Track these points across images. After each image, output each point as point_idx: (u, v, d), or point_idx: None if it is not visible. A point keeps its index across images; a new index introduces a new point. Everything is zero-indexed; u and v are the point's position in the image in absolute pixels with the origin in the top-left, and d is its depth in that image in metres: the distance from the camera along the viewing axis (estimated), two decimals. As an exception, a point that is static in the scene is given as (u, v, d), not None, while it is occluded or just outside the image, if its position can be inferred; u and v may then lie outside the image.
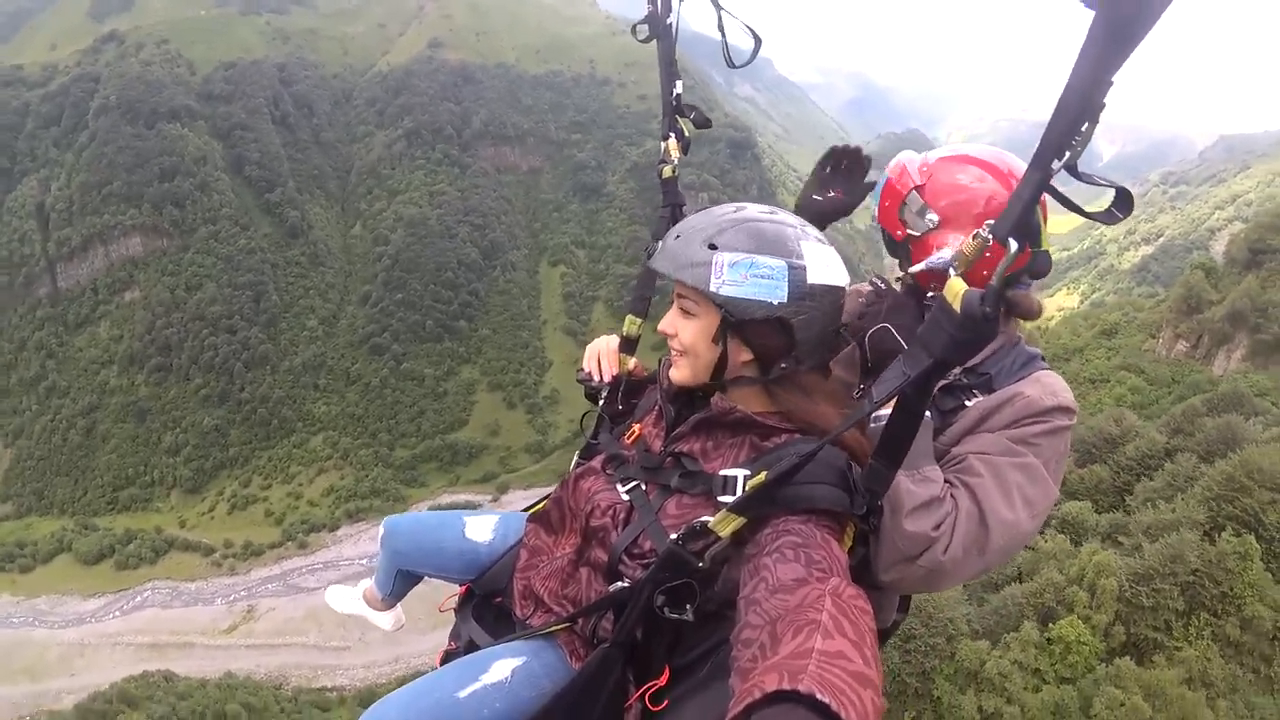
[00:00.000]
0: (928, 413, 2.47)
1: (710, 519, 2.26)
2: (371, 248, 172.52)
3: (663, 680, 2.46)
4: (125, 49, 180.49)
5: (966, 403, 2.73)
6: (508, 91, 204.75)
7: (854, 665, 1.66)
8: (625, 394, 3.33)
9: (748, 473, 2.37)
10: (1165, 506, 45.14)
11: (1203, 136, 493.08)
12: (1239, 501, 42.24)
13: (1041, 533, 44.42)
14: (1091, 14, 1.53)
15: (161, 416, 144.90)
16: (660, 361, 2.86)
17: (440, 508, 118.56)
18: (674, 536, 2.34)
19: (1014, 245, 1.80)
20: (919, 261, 2.94)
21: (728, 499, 2.32)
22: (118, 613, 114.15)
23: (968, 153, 2.96)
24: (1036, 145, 1.72)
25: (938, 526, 2.42)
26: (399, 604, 4.16)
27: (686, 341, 2.54)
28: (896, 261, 3.17)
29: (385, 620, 4.20)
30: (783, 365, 2.49)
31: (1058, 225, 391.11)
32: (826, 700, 1.52)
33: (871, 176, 3.37)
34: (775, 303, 2.37)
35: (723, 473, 2.44)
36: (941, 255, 2.87)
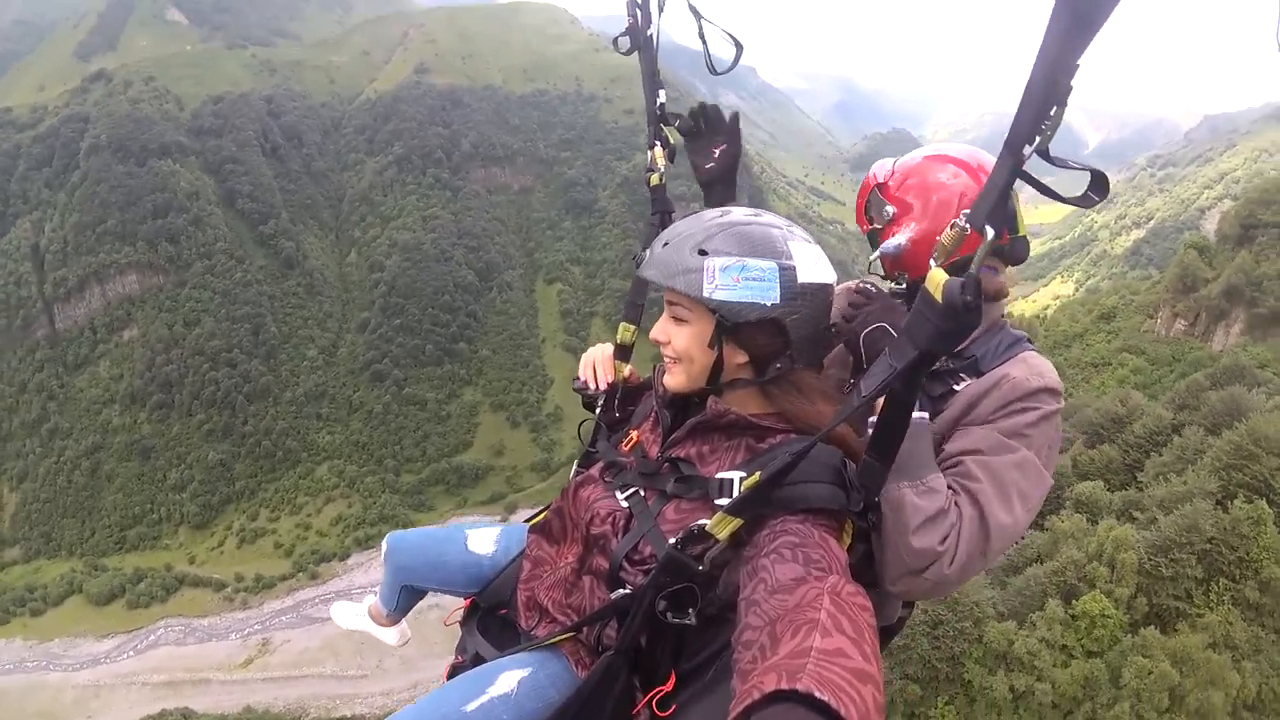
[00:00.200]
0: (927, 418, 2.46)
1: (708, 522, 2.27)
2: (368, 275, 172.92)
3: (669, 686, 2.42)
4: (113, 87, 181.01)
5: (955, 387, 2.72)
6: (495, 113, 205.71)
7: (853, 662, 1.67)
8: (622, 401, 3.33)
9: (743, 475, 2.36)
10: (1177, 479, 46.21)
11: (1187, 118, 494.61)
12: (1248, 469, 43.52)
13: (1057, 512, 46.86)
14: None
15: (166, 453, 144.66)
16: (655, 367, 2.88)
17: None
18: (673, 541, 2.35)
19: (990, 232, 1.84)
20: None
21: (724, 502, 2.31)
22: (132, 652, 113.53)
23: (944, 151, 3.04)
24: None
25: (944, 540, 2.38)
26: (404, 620, 4.16)
27: (681, 348, 2.53)
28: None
29: (390, 636, 4.22)
30: (778, 365, 2.48)
31: (1047, 215, 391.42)
32: (826, 698, 1.52)
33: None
34: (769, 304, 2.36)
35: (719, 476, 2.44)
36: (895, 241, 2.96)
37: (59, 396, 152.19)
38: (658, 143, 3.52)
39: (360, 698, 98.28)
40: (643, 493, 2.62)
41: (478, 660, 3.01)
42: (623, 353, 3.40)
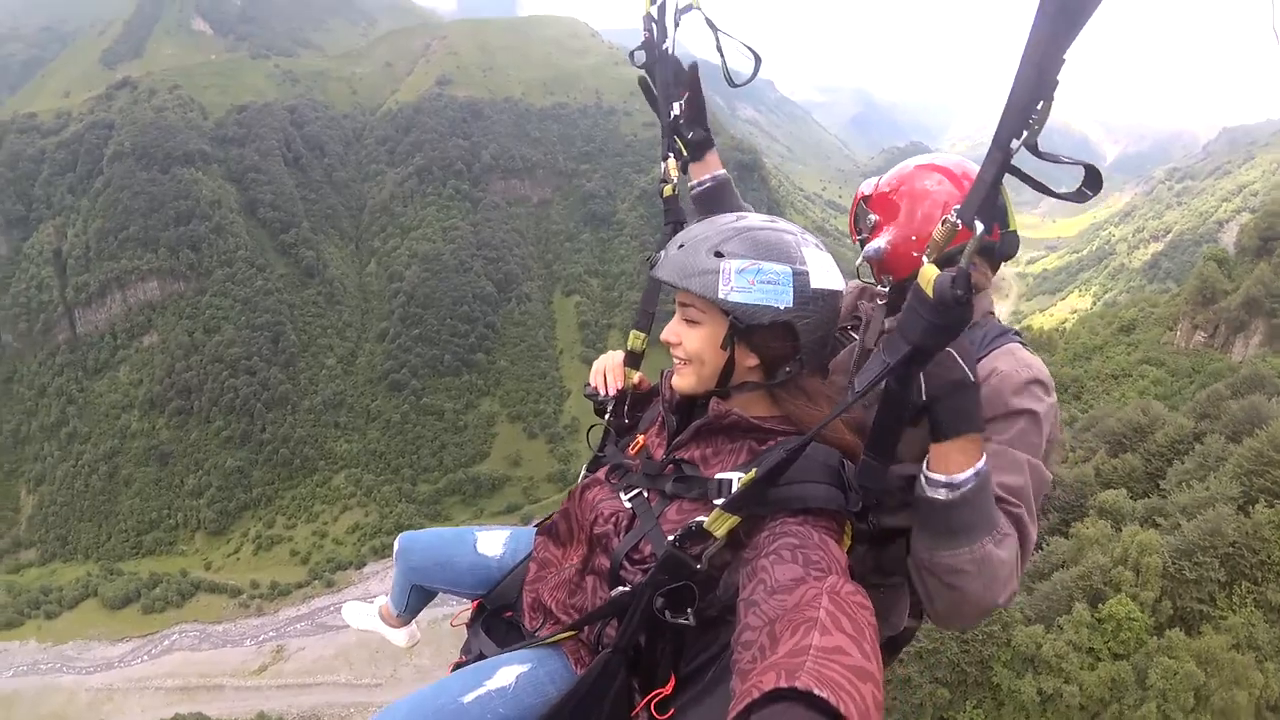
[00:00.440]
0: (986, 469, 2.27)
1: (705, 519, 2.28)
2: (387, 285, 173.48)
3: (668, 689, 2.44)
4: (138, 95, 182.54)
5: None
6: (515, 125, 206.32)
7: (852, 660, 1.68)
8: (631, 407, 3.34)
9: (742, 474, 2.35)
10: (1199, 486, 46.75)
11: (1205, 130, 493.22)
12: (1269, 475, 44.22)
13: (1082, 519, 47.60)
14: None
15: (183, 459, 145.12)
16: (663, 373, 2.88)
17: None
18: (671, 538, 2.36)
19: (980, 226, 1.87)
20: None
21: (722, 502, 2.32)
22: (146, 657, 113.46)
23: (933, 160, 3.10)
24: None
25: (1014, 577, 2.40)
26: (414, 622, 4.21)
27: (693, 349, 2.54)
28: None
29: (400, 637, 4.26)
30: (787, 369, 2.50)
31: (1065, 228, 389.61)
32: (824, 695, 1.53)
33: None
34: (782, 307, 2.37)
35: (718, 476, 2.47)
36: (876, 244, 3.06)
37: (78, 401, 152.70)
38: (671, 154, 3.54)
39: (374, 706, 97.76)
40: (646, 494, 2.64)
41: (482, 660, 2.99)
42: (633, 360, 3.44)
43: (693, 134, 3.60)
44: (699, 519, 2.31)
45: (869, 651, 1.75)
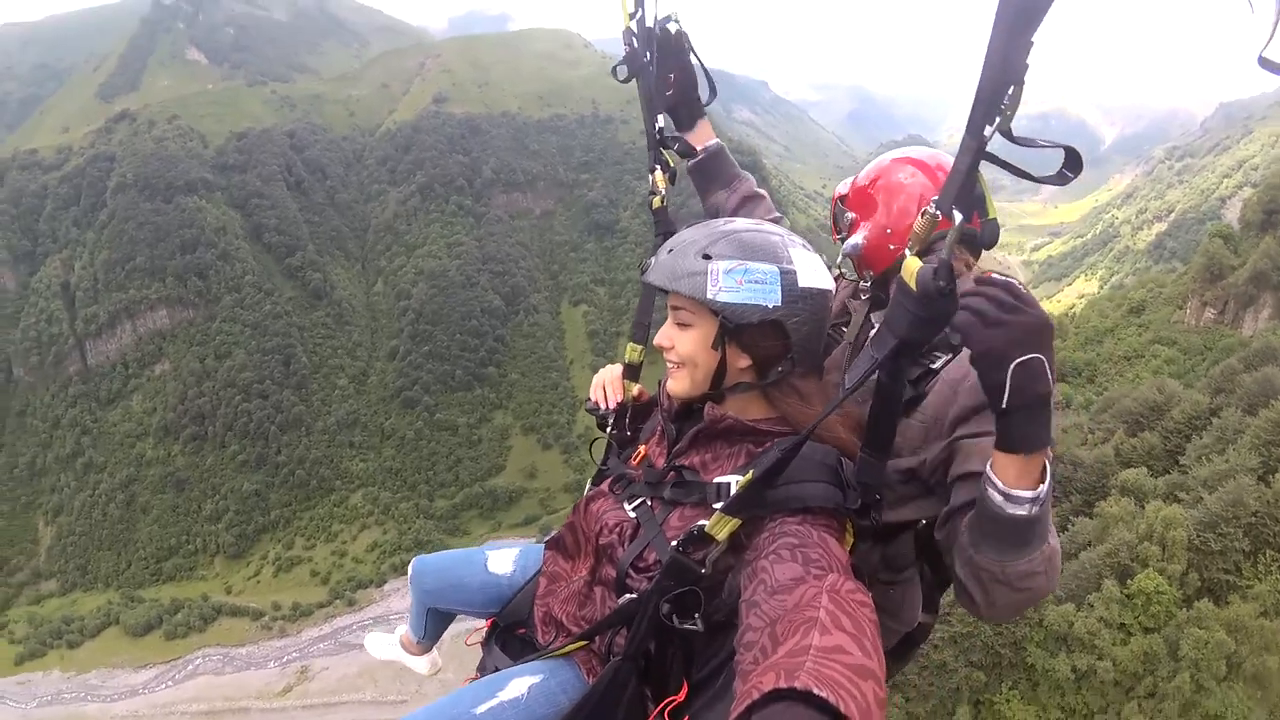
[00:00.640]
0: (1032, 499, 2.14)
1: (707, 523, 2.30)
2: (395, 303, 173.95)
3: (681, 696, 2.46)
4: (137, 127, 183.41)
5: (932, 366, 2.71)
6: (514, 139, 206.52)
7: (852, 658, 1.68)
8: (631, 419, 3.39)
9: (740, 477, 2.35)
10: (1218, 459, 46.94)
11: (1202, 107, 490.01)
12: None
13: (1104, 498, 47.84)
14: None
15: (200, 485, 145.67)
16: (660, 384, 2.91)
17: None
18: (674, 543, 2.38)
19: (959, 216, 1.87)
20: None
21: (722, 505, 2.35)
22: (170, 682, 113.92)
23: (908, 154, 3.21)
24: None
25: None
26: (435, 649, 4.30)
27: (685, 352, 2.57)
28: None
29: (422, 665, 4.35)
30: (780, 369, 2.52)
31: (1068, 213, 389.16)
32: (824, 694, 1.54)
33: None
34: (770, 306, 2.40)
35: (716, 480, 2.48)
36: (853, 241, 3.14)
37: (93, 431, 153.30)
38: (658, 166, 3.62)
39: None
40: (649, 502, 2.66)
41: None
42: (631, 372, 3.50)
43: (681, 106, 3.78)
44: (700, 523, 2.33)
45: (870, 649, 1.75)
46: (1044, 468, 2.01)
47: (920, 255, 1.99)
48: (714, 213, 3.95)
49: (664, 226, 3.53)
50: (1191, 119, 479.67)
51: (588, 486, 3.21)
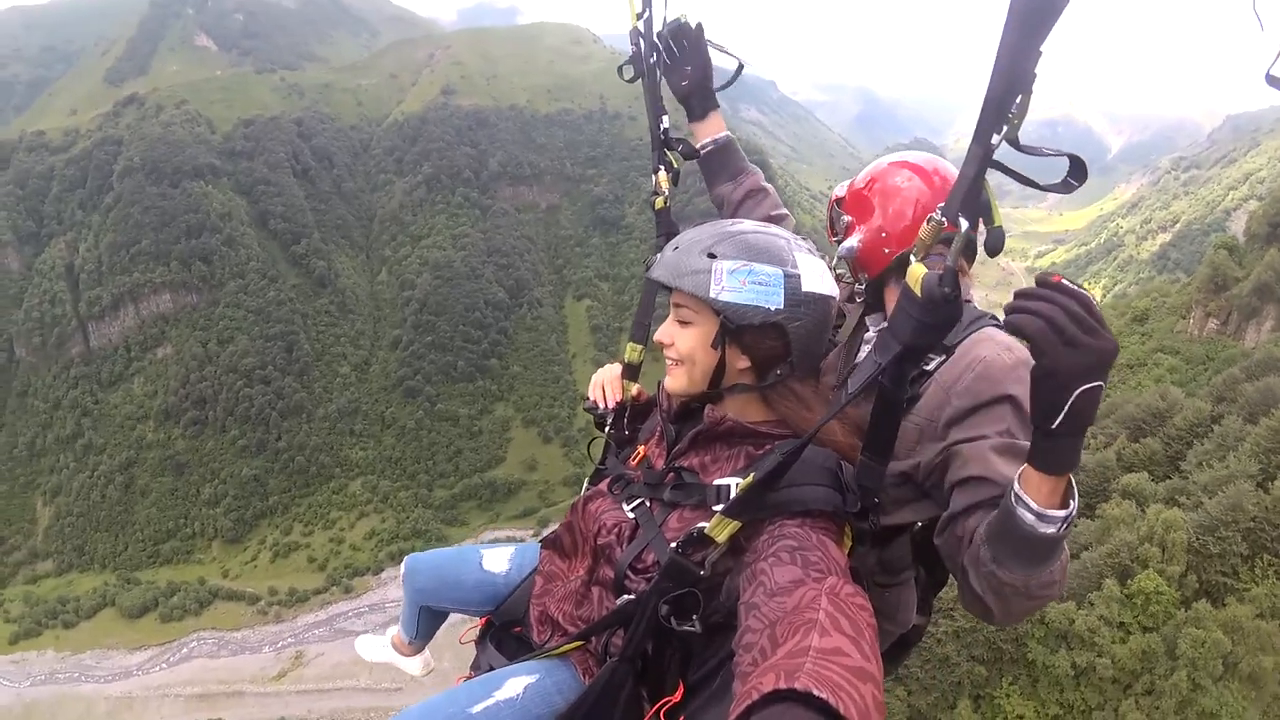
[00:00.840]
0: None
1: (707, 525, 2.29)
2: (399, 293, 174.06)
3: (677, 696, 2.45)
4: (145, 111, 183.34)
5: (926, 367, 2.71)
6: (521, 132, 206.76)
7: (852, 660, 1.68)
8: (630, 419, 3.38)
9: (740, 480, 2.35)
10: (1219, 465, 47.72)
11: (1209, 118, 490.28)
12: None
13: (1107, 499, 48.52)
14: None
15: (199, 469, 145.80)
16: (660, 384, 2.92)
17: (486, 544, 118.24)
18: (673, 545, 2.37)
19: (964, 223, 1.87)
20: None
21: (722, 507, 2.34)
22: (164, 665, 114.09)
23: (906, 158, 3.19)
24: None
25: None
26: (427, 648, 4.25)
27: (684, 350, 2.56)
28: None
29: (414, 665, 4.29)
30: (778, 372, 2.52)
31: (1072, 221, 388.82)
32: (824, 696, 1.54)
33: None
34: (772, 308, 2.40)
35: (716, 482, 2.47)
36: (848, 244, 3.14)
37: (93, 413, 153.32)
38: (661, 167, 3.66)
39: (393, 710, 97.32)
40: (648, 503, 2.65)
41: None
42: (630, 372, 3.48)
43: (695, 96, 3.82)
44: (700, 525, 2.32)
45: (869, 652, 1.75)
46: (1070, 484, 1.96)
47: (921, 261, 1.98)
48: (719, 203, 4.05)
49: (666, 227, 3.61)
50: (1199, 130, 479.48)
51: (585, 486, 3.23)
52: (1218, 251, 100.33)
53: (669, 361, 2.64)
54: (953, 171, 2.91)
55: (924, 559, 3.12)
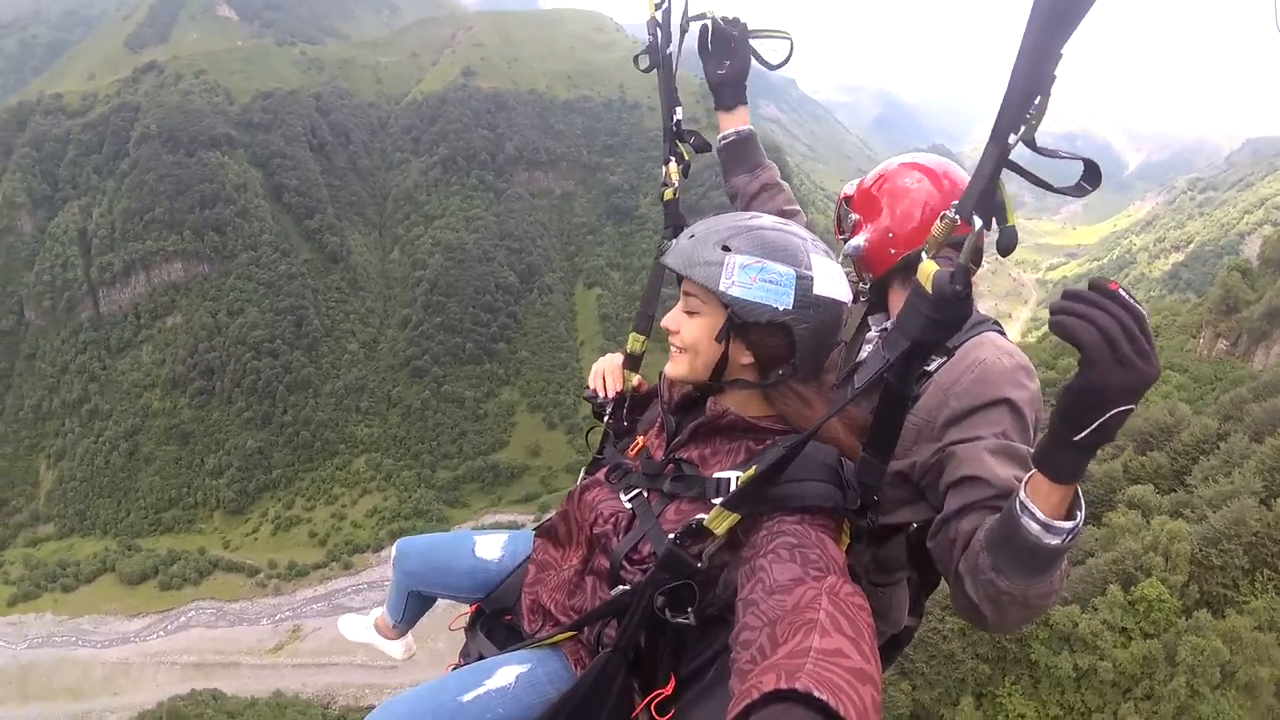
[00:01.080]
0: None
1: (705, 517, 2.29)
2: (410, 272, 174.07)
3: (669, 689, 2.45)
4: (164, 79, 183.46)
5: (927, 368, 2.72)
6: (540, 117, 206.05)
7: (852, 661, 1.68)
8: (630, 409, 3.40)
9: (740, 473, 2.37)
10: (1224, 480, 48.43)
11: (1228, 141, 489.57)
12: None
13: (1113, 508, 49.49)
14: None
15: (204, 439, 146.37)
16: (661, 376, 2.93)
17: (484, 528, 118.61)
18: (671, 536, 2.37)
19: (978, 222, 1.88)
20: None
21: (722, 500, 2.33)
22: (162, 633, 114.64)
23: (916, 160, 3.20)
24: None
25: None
26: (410, 633, 4.21)
27: (689, 339, 2.54)
28: None
29: (396, 649, 4.26)
30: (780, 371, 2.50)
31: (1085, 235, 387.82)
32: (824, 697, 1.53)
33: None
34: (780, 308, 2.37)
35: (716, 475, 2.47)
36: (854, 242, 3.15)
37: (100, 379, 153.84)
38: (672, 158, 3.66)
39: (389, 688, 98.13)
40: (646, 494, 2.64)
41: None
42: (632, 362, 3.50)
43: (728, 87, 3.86)
44: (699, 517, 2.31)
45: (868, 653, 1.75)
46: (1077, 494, 1.96)
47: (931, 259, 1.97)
48: (734, 194, 4.07)
49: (674, 219, 3.60)
50: (1217, 151, 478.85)
51: (581, 475, 3.27)
52: (1231, 273, 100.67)
53: (673, 348, 2.62)
54: (963, 175, 2.99)
55: (917, 560, 3.12)
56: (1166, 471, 55.05)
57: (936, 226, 1.97)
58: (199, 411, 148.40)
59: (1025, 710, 39.35)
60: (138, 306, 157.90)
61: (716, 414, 2.57)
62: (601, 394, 3.44)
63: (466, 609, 3.41)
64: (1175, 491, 51.66)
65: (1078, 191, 1.86)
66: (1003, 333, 2.90)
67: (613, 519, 2.68)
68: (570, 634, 2.71)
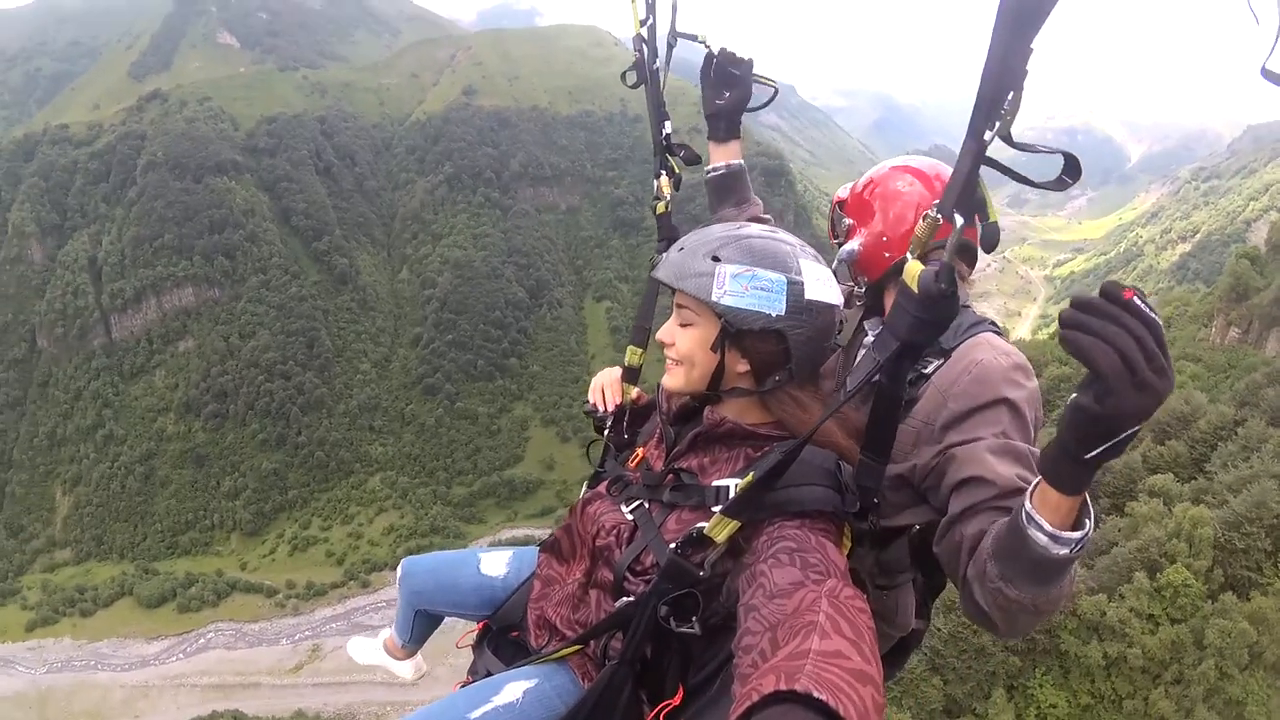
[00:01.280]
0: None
1: (706, 525, 2.29)
2: (419, 291, 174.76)
3: (677, 700, 2.45)
4: (169, 107, 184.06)
5: (924, 370, 2.77)
6: (543, 133, 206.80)
7: (852, 663, 1.68)
8: (629, 422, 3.41)
9: (738, 480, 2.36)
10: (1243, 465, 48.59)
11: (1229, 129, 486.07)
12: None
13: (1134, 498, 49.66)
14: None
15: (219, 461, 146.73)
16: (659, 387, 2.96)
17: (500, 543, 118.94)
18: (673, 546, 2.36)
19: (960, 219, 1.88)
20: None
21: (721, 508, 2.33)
22: (181, 655, 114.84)
23: (908, 162, 3.23)
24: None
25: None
26: (419, 653, 4.20)
27: (684, 350, 2.56)
28: None
29: (406, 669, 4.25)
30: (776, 378, 2.51)
31: (1092, 230, 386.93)
32: (824, 698, 1.54)
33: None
34: (773, 315, 2.38)
35: (715, 483, 2.48)
36: (849, 246, 3.17)
37: (114, 404, 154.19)
38: (663, 172, 3.71)
39: (409, 704, 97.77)
40: (647, 505, 2.66)
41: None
42: (630, 375, 3.51)
43: (723, 119, 3.84)
44: (699, 526, 2.33)
45: (868, 655, 1.75)
46: (1085, 503, 1.90)
47: (920, 259, 2.00)
48: None
49: (667, 232, 3.66)
50: (1219, 140, 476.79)
51: (583, 489, 3.25)
52: (1239, 261, 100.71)
53: (669, 361, 2.64)
54: None
55: (922, 563, 3.16)
56: (1185, 460, 55.19)
57: (920, 226, 1.99)
58: (213, 434, 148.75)
59: (1056, 700, 39.52)
60: (150, 332, 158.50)
61: (714, 423, 2.58)
62: (601, 408, 3.48)
63: (474, 627, 3.43)
64: (1195, 479, 51.75)
65: (1058, 186, 1.81)
66: (1000, 333, 2.93)
67: (615, 531, 2.67)
68: (576, 648, 2.70)
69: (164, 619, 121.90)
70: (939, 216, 1.94)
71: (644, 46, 3.74)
